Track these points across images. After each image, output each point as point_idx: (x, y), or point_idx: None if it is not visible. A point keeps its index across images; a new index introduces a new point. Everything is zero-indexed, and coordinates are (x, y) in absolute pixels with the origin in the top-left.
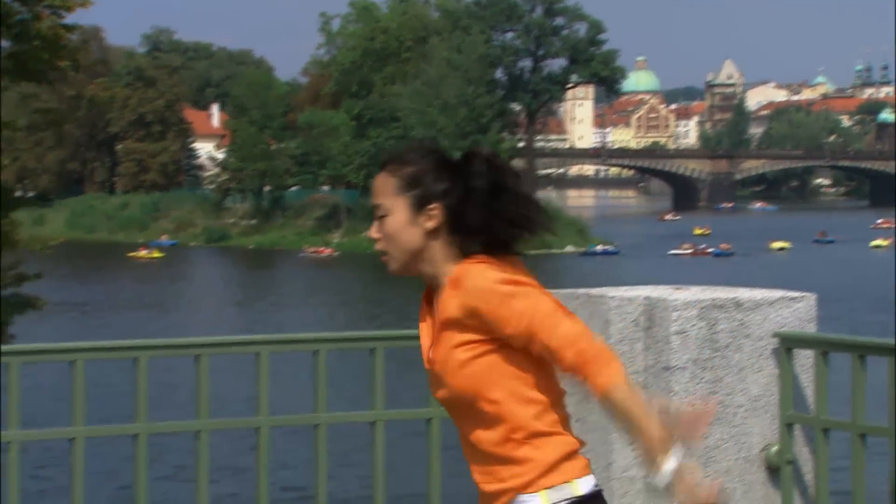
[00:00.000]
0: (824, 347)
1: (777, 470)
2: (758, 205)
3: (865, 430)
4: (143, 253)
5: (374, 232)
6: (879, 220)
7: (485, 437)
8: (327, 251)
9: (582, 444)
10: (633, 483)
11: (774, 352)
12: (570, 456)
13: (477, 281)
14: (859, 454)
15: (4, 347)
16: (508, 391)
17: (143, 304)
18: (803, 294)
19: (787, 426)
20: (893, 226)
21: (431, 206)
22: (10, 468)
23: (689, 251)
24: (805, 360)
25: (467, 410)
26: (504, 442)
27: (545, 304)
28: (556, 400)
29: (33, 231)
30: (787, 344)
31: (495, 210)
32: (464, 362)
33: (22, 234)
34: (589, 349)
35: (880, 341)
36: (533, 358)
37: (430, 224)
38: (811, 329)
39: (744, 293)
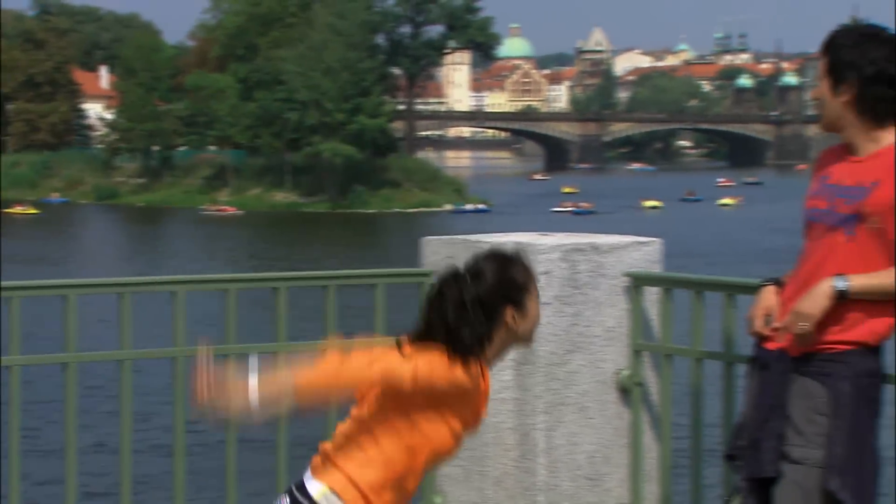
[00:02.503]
0: (668, 285)
1: (628, 391)
2: (635, 165)
3: (702, 355)
4: (17, 209)
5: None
6: (721, 180)
7: None
8: (231, 209)
9: None
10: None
11: (626, 289)
12: None
13: None
14: (698, 376)
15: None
16: None
17: (30, 259)
18: (651, 239)
19: (636, 353)
20: (734, 184)
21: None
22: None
23: (570, 209)
24: (652, 296)
25: None
26: None
27: None
28: None
29: None
30: (637, 282)
31: None
32: None
33: None
34: None
35: (715, 278)
36: None
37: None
38: (657, 269)
39: (600, 238)
